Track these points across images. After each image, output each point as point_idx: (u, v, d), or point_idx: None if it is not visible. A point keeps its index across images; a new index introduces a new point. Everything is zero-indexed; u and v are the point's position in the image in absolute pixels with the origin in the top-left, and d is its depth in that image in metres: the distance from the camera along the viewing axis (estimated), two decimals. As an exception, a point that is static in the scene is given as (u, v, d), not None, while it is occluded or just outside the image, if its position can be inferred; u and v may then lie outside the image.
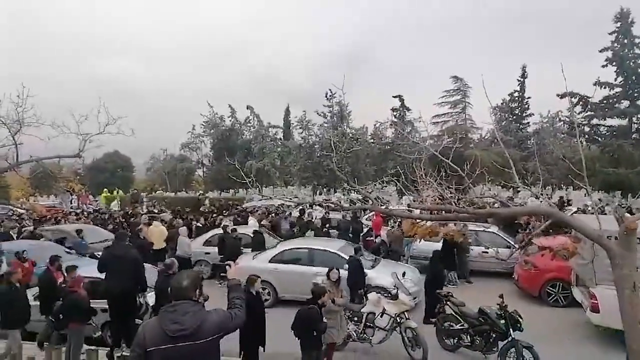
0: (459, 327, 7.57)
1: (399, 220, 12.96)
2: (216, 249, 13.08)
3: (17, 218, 21.46)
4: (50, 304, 7.46)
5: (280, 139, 45.06)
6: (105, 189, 39.83)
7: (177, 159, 48.60)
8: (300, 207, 19.54)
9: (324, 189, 38.12)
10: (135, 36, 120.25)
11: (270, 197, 28.39)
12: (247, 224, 16.28)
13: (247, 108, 44.11)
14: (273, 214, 19.81)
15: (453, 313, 7.71)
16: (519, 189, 26.88)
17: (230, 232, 12.95)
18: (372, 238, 13.74)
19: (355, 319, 7.68)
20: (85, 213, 25.48)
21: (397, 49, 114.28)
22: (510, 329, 6.74)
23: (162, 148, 50.32)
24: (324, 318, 6.25)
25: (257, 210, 21.29)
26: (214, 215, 20.37)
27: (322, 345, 6.37)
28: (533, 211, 9.70)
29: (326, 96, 38.38)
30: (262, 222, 16.16)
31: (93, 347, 6.07)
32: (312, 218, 16.77)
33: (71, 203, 38.84)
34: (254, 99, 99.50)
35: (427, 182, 4.18)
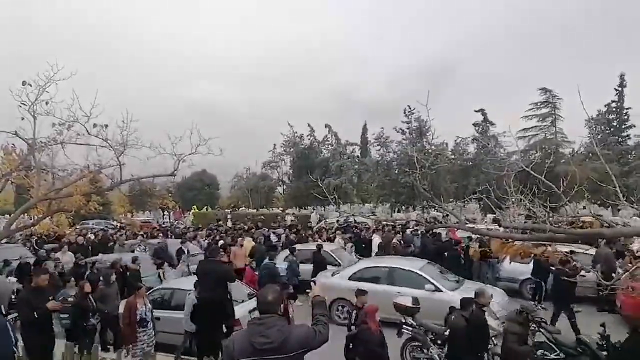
0: (554, 357, 6.98)
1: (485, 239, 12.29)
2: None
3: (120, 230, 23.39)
4: None
5: (358, 156, 45.26)
6: (194, 206, 42.25)
7: (259, 177, 50.47)
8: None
9: (402, 207, 37.46)
10: (215, 60, 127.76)
11: (353, 215, 28.04)
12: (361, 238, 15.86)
13: (326, 127, 44.93)
14: (400, 232, 18.07)
15: (547, 341, 7.14)
16: (619, 207, 24.47)
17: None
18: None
19: (439, 342, 7.37)
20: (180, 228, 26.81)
21: (479, 63, 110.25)
22: (615, 362, 6.10)
23: (245, 167, 52.63)
24: None
25: (383, 227, 19.41)
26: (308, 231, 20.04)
27: None
28: (642, 232, 8.74)
29: (404, 112, 37.96)
30: (393, 241, 15.03)
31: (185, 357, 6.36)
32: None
33: (163, 219, 41.70)
34: (332, 116, 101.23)
35: (519, 200, 3.94)
